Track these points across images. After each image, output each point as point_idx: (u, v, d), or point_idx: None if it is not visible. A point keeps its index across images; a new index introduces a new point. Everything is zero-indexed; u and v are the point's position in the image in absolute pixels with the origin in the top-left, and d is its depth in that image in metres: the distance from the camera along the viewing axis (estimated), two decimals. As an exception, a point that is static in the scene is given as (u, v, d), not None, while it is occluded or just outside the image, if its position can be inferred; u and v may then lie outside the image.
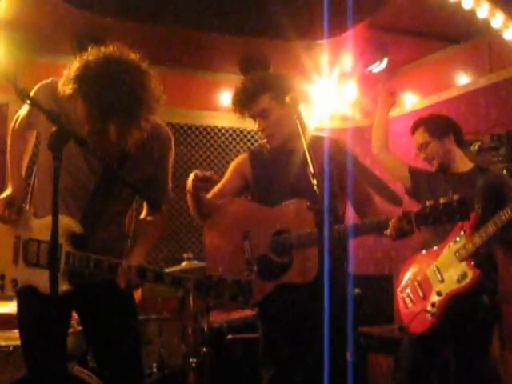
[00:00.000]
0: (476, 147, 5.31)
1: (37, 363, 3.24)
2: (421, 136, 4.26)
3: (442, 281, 3.98)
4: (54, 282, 2.54)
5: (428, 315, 3.94)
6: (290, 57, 6.08)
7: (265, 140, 3.69)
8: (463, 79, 6.17)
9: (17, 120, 3.28)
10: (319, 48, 6.20)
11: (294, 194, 3.54)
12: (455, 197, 3.04)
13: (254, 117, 3.65)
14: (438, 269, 4.01)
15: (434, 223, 3.15)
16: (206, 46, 6.38)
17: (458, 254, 3.93)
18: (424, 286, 4.05)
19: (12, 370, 4.20)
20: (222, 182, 3.78)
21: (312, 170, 3.04)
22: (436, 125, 4.28)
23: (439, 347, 4.13)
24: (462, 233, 3.94)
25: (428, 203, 3.10)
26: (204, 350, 4.90)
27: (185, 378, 4.77)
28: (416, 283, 4.10)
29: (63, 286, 2.99)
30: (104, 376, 3.48)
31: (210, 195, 3.68)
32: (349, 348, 3.42)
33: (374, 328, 6.06)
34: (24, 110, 3.23)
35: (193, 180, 3.43)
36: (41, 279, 3.00)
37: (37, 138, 3.34)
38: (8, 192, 3.18)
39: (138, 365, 3.42)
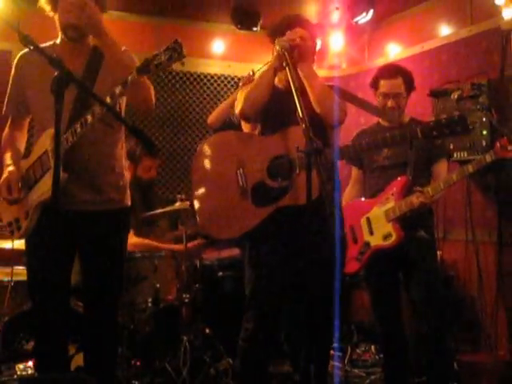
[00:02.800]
0: (456, 96, 5.24)
1: (42, 297, 3.26)
2: (399, 86, 4.21)
3: (372, 233, 4.13)
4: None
5: (356, 260, 4.15)
6: (280, 8, 5.94)
7: None
8: (445, 31, 6.07)
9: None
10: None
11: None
12: (456, 113, 3.20)
13: None
14: (370, 221, 4.15)
15: (438, 136, 3.38)
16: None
17: (386, 215, 4.06)
18: (357, 232, 4.19)
19: (13, 304, 4.20)
20: None
21: (301, 115, 2.98)
22: (410, 80, 4.27)
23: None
24: (391, 194, 4.05)
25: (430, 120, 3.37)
26: (196, 286, 4.97)
27: (178, 312, 4.77)
28: (351, 228, 4.23)
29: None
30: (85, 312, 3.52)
31: None
32: (335, 285, 3.38)
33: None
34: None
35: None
36: (46, 186, 3.07)
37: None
38: (5, 175, 3.21)
39: (113, 305, 3.47)
